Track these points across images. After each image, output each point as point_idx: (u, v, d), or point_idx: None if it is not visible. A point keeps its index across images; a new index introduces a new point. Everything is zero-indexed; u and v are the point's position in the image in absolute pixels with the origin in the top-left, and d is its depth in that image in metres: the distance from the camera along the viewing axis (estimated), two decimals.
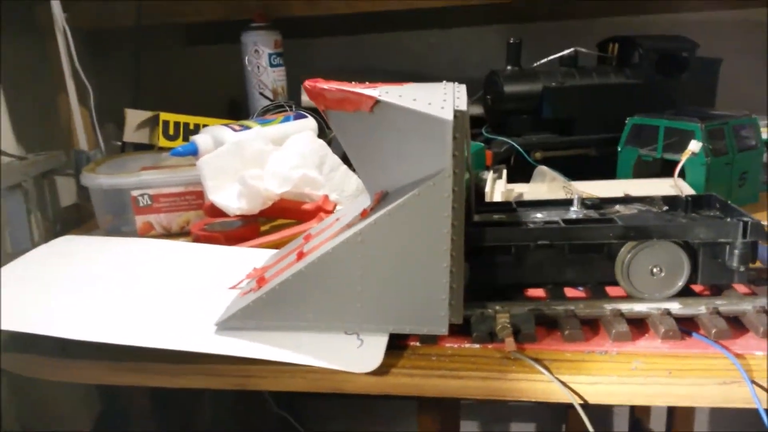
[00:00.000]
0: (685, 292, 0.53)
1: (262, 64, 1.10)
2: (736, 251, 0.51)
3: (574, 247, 0.53)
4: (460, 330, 0.54)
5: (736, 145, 0.86)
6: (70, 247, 0.72)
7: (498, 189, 0.81)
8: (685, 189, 0.83)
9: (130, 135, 1.00)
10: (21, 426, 0.94)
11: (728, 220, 0.52)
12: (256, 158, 0.81)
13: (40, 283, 0.62)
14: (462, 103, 0.48)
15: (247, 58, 1.09)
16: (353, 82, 0.54)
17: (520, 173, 0.95)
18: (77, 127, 1.05)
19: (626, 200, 0.59)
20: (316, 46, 1.34)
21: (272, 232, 0.85)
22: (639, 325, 0.54)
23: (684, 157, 0.71)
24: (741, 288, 0.55)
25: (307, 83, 0.54)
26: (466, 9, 1.21)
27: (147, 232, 0.87)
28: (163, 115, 0.98)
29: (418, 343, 0.54)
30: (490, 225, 0.54)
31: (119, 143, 1.08)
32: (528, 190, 0.78)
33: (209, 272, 0.66)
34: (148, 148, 1.04)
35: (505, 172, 0.88)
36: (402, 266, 0.50)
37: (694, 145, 0.72)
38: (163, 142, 0.98)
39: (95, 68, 1.09)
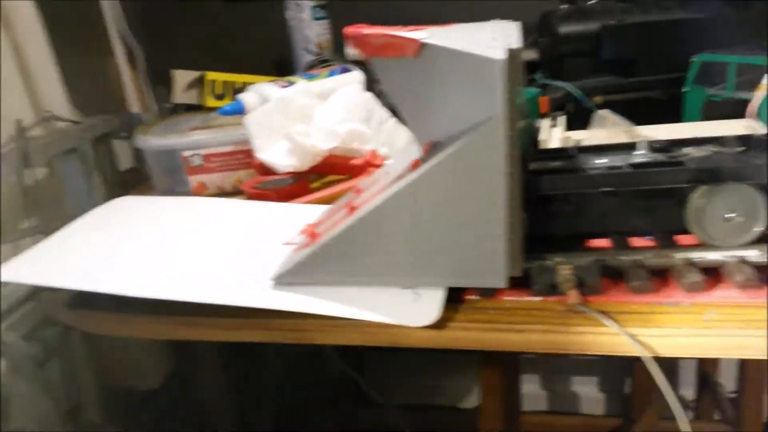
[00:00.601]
0: (765, 239, 0.50)
1: (304, 17, 1.07)
2: None
3: (640, 194, 0.50)
4: (519, 283, 0.52)
5: None
6: (127, 207, 0.73)
7: (555, 137, 0.78)
8: (760, 129, 0.78)
9: (179, 96, 1.00)
10: (98, 381, 0.99)
11: None
12: (301, 114, 0.79)
13: (99, 242, 0.63)
14: (514, 41, 0.45)
15: (288, 12, 1.06)
16: (400, 28, 0.51)
17: (579, 120, 0.90)
18: (128, 90, 1.06)
19: (697, 141, 0.55)
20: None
21: (323, 188, 0.84)
22: (713, 275, 0.51)
23: (758, 93, 0.65)
24: None
25: (348, 29, 0.52)
26: None
27: (201, 191, 0.87)
28: (210, 75, 0.98)
29: (475, 297, 0.52)
30: (548, 172, 0.51)
31: (167, 105, 1.09)
32: (587, 137, 0.74)
33: (264, 228, 0.66)
34: (197, 108, 1.04)
35: (562, 119, 0.83)
36: (456, 218, 0.48)
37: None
38: (210, 101, 0.98)
39: (146, 30, 1.09)
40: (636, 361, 0.47)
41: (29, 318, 0.78)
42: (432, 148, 0.51)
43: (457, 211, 0.47)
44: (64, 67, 1.02)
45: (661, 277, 0.52)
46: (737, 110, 0.81)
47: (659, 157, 0.53)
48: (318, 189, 0.84)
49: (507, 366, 0.77)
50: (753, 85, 0.80)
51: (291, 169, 0.78)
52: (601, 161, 0.54)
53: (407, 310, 0.49)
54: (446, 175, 0.47)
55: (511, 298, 0.52)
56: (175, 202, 0.76)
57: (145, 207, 0.74)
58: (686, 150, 0.54)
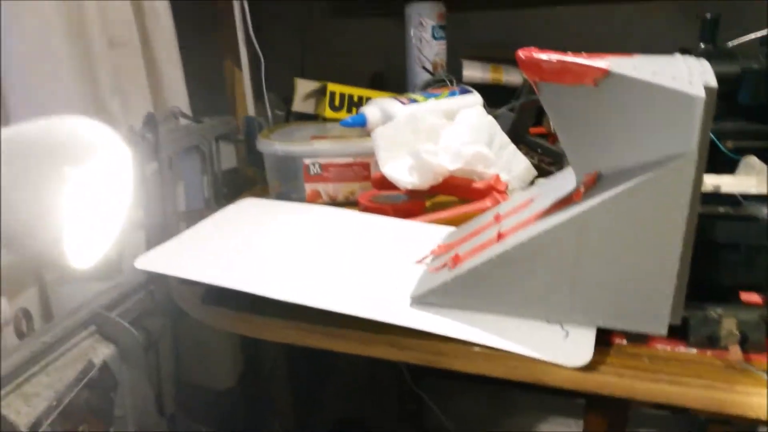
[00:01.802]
0: None
1: (425, 36, 1.08)
2: None
3: None
4: (671, 331, 0.49)
5: None
6: (253, 208, 0.74)
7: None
8: None
9: (299, 104, 1.02)
10: (177, 377, 1.00)
11: None
12: (429, 132, 0.79)
13: (232, 240, 0.64)
14: (711, 79, 0.43)
15: (411, 30, 1.07)
16: (576, 54, 0.50)
17: (710, 163, 0.86)
18: (247, 95, 1.09)
19: None
20: (471, 20, 1.30)
21: (435, 208, 0.83)
22: None
23: None
24: None
25: (521, 52, 0.51)
26: None
27: (314, 199, 0.88)
28: (331, 86, 0.99)
29: (624, 341, 0.50)
30: (723, 218, 0.48)
31: (280, 112, 1.11)
32: (732, 182, 0.70)
33: (388, 243, 0.66)
34: (311, 118, 1.05)
35: None
36: (623, 256, 0.46)
37: None
38: (329, 112, 0.99)
39: (269, 38, 1.12)
40: None
41: (137, 307, 0.80)
42: (596, 180, 0.49)
43: (626, 249, 0.45)
44: (187, 65, 1.06)
45: None
46: None
47: None
48: (430, 209, 0.83)
49: (616, 415, 0.73)
50: None
51: (412, 186, 0.77)
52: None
53: (557, 347, 0.47)
54: (621, 210, 0.45)
55: (663, 347, 0.49)
56: (296, 207, 0.77)
57: (270, 209, 0.74)
58: None
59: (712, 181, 0.76)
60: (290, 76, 1.09)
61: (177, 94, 1.04)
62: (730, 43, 0.92)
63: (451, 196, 0.83)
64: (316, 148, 0.86)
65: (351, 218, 0.73)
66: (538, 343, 0.47)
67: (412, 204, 0.80)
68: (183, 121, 0.97)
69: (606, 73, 0.45)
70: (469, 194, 0.80)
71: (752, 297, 0.53)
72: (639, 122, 0.45)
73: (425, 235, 0.67)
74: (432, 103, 0.86)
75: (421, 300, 0.51)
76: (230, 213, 0.71)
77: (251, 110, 1.08)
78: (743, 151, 0.88)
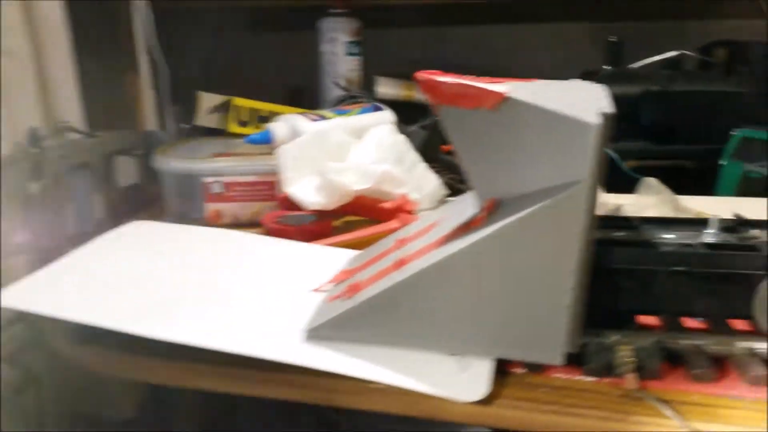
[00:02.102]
0: None
1: (338, 52, 1.05)
2: None
3: (710, 276, 0.47)
4: (571, 358, 0.48)
5: None
6: (142, 232, 0.69)
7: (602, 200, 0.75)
8: None
9: (202, 119, 0.97)
10: (67, 407, 0.93)
11: None
12: (337, 150, 0.76)
13: (112, 270, 0.58)
14: (607, 105, 0.43)
15: (324, 45, 1.04)
16: (478, 78, 0.49)
17: (612, 182, 0.88)
18: (147, 107, 1.03)
19: (761, 224, 0.52)
20: (393, 36, 1.30)
21: (344, 228, 0.80)
22: None
23: None
24: None
25: (420, 75, 0.49)
26: (555, 4, 1.14)
27: (216, 220, 0.83)
28: (236, 101, 0.95)
29: (522, 370, 0.48)
30: (618, 244, 0.48)
31: (185, 126, 1.06)
32: (632, 203, 0.72)
33: (288, 270, 0.62)
34: (217, 133, 1.00)
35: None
36: (519, 285, 0.44)
37: None
38: (234, 128, 0.95)
39: (173, 48, 1.06)
40: None
41: (15, 341, 0.73)
42: (496, 207, 0.48)
43: (522, 278, 0.44)
44: (83, 76, 0.99)
45: (719, 365, 0.48)
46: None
47: (729, 237, 0.50)
48: (339, 230, 0.80)
49: None
50: None
51: (318, 207, 0.74)
52: (669, 236, 0.51)
53: (453, 381, 0.45)
54: (519, 238, 0.43)
55: (560, 376, 0.48)
56: (192, 231, 0.72)
57: (161, 234, 0.69)
58: (754, 231, 0.51)
59: (613, 202, 0.77)
60: (202, 90, 1.04)
61: (69, 107, 0.96)
62: (634, 65, 0.95)
63: (359, 216, 0.80)
64: (217, 166, 0.81)
65: (249, 242, 0.69)
66: (435, 377, 0.45)
67: (320, 225, 0.77)
68: (74, 136, 0.90)
69: (504, 99, 0.44)
70: (378, 215, 0.78)
71: (649, 320, 0.53)
72: (536, 148, 0.44)
73: (328, 259, 0.64)
74: (340, 120, 0.84)
75: (316, 334, 0.48)
76: (115, 238, 0.66)
77: (152, 124, 1.02)
78: (645, 171, 0.91)
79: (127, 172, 1.08)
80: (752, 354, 0.47)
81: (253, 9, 1.23)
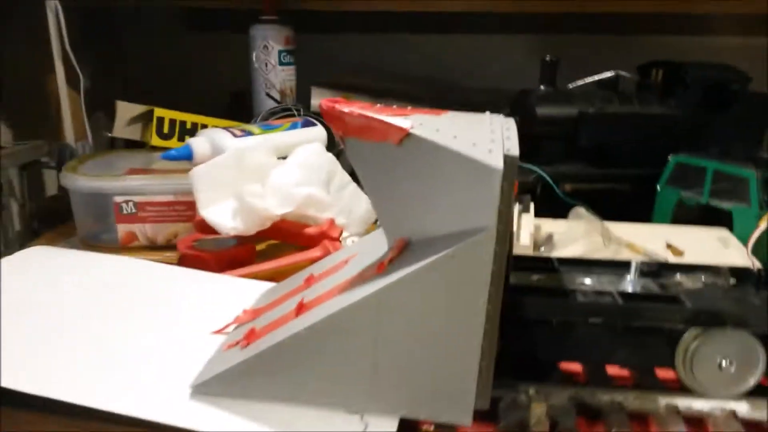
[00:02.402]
0: (758, 391, 0.44)
1: (271, 61, 1.01)
2: None
3: (629, 328, 0.44)
4: (482, 413, 0.45)
5: None
6: (37, 263, 0.62)
7: (525, 225, 0.72)
8: (733, 242, 0.75)
9: (121, 130, 0.91)
10: None
11: None
12: (256, 171, 0.72)
13: None
14: (513, 146, 0.39)
15: (254, 53, 0.99)
16: (379, 105, 0.45)
17: (547, 205, 0.86)
18: (64, 116, 0.96)
19: (689, 269, 0.50)
20: (331, 42, 1.25)
21: (269, 253, 0.76)
22: (697, 425, 0.45)
23: (756, 234, 0.62)
24: None
25: (324, 103, 0.45)
26: (495, 15, 1.12)
27: (129, 242, 0.78)
28: (158, 111, 0.89)
29: (431, 428, 0.45)
30: (531, 292, 0.45)
31: (110, 135, 0.99)
32: (562, 230, 0.69)
33: (190, 307, 0.57)
34: (140, 145, 0.94)
35: (531, 204, 0.78)
36: (424, 340, 0.41)
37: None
38: (156, 140, 0.89)
39: (92, 51, 1.00)
40: None
41: None
42: (404, 248, 0.44)
43: (427, 333, 0.40)
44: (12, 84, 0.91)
45: (640, 420, 0.46)
46: (710, 217, 0.79)
47: (650, 284, 0.47)
48: (264, 253, 0.76)
49: None
50: (731, 194, 0.77)
51: (235, 233, 0.70)
52: (587, 281, 0.48)
53: None
54: (420, 290, 0.40)
55: None
56: (91, 260, 0.66)
57: (58, 264, 0.63)
58: (678, 277, 0.49)
59: (545, 228, 0.75)
60: (125, 98, 0.98)
61: None
62: (571, 85, 0.93)
63: (283, 241, 0.76)
64: (128, 184, 0.75)
65: (152, 274, 0.63)
66: None
67: (240, 250, 0.72)
68: None
69: (407, 134, 0.40)
70: (301, 240, 0.73)
71: (572, 366, 0.50)
72: (441, 189, 0.40)
73: (238, 293, 0.59)
74: (263, 137, 0.79)
75: (203, 389, 0.44)
76: (6, 269, 0.60)
77: (70, 134, 0.95)
78: (583, 194, 0.89)
79: (48, 184, 1.01)
80: (675, 411, 0.45)
81: (186, 9, 1.17)
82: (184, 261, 0.71)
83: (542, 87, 0.88)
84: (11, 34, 0.95)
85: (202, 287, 0.61)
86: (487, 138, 0.40)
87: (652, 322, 0.43)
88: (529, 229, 0.71)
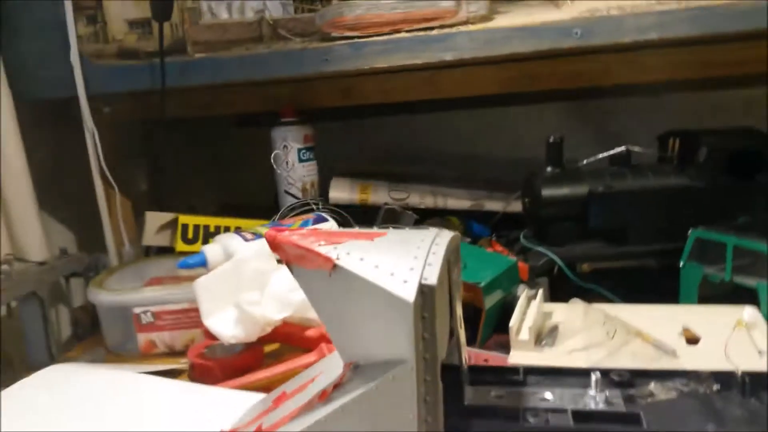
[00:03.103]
0: None
1: (291, 160, 1.05)
2: None
3: None
4: None
5: None
6: (55, 382, 0.67)
7: (531, 311, 0.70)
8: (759, 325, 0.69)
9: (151, 238, 0.97)
10: None
11: None
12: (255, 279, 0.74)
13: None
14: (432, 273, 0.39)
15: (274, 154, 1.05)
16: (322, 235, 0.46)
17: (565, 288, 0.83)
18: (105, 228, 1.04)
19: (666, 375, 0.46)
20: (363, 126, 1.30)
21: (279, 354, 0.78)
22: None
23: (735, 331, 0.57)
24: None
25: (268, 234, 0.47)
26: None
27: (150, 350, 0.82)
28: (182, 218, 0.95)
29: None
30: (482, 413, 0.43)
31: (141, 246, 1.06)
32: (563, 319, 0.67)
33: (176, 425, 0.59)
34: (171, 251, 1.00)
35: (540, 291, 0.76)
36: None
37: (750, 315, 0.57)
38: (181, 246, 0.95)
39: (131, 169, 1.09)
40: None
41: None
42: (352, 371, 0.45)
43: None
44: (43, 203, 1.01)
45: None
46: (739, 294, 0.73)
47: (615, 398, 0.45)
48: (274, 355, 0.78)
49: None
50: (755, 269, 0.72)
51: (236, 341, 0.72)
52: (548, 396, 0.46)
53: None
54: (348, 425, 0.39)
55: None
56: (106, 376, 0.70)
57: (73, 384, 0.67)
58: (652, 386, 0.46)
59: (548, 313, 0.72)
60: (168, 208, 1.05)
61: (31, 234, 0.98)
62: (582, 162, 0.91)
63: (286, 344, 0.78)
64: (144, 295, 0.80)
65: (162, 390, 0.66)
66: None
67: (246, 355, 0.74)
68: (21, 265, 0.91)
69: (333, 265, 0.42)
70: (303, 343, 0.75)
71: None
72: (369, 317, 0.41)
73: (226, 409, 0.61)
74: (262, 243, 0.82)
75: None
76: (26, 389, 0.64)
77: (110, 244, 1.03)
78: (601, 274, 0.86)
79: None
80: None
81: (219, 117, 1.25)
82: (193, 370, 0.74)
83: (549, 168, 0.87)
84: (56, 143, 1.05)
85: (200, 402, 0.63)
86: (407, 264, 0.40)
87: None
88: (532, 320, 0.68)
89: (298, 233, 0.46)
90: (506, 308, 0.74)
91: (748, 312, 0.64)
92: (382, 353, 0.40)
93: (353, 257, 0.41)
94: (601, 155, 0.88)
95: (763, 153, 0.84)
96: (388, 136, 1.30)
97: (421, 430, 0.39)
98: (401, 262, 0.40)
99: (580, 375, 0.47)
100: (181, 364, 0.77)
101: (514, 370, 0.49)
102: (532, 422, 0.41)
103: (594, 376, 0.44)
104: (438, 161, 1.25)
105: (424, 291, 0.38)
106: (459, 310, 0.49)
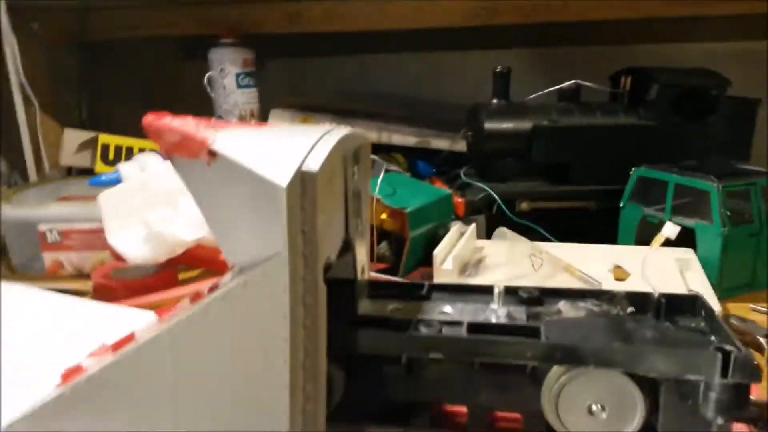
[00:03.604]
0: None
1: (228, 84, 0.99)
2: (712, 394, 0.34)
3: (483, 364, 0.38)
4: None
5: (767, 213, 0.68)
6: None
7: (460, 243, 0.67)
8: (693, 265, 0.66)
9: (69, 158, 0.90)
10: None
11: (702, 347, 0.35)
12: (168, 196, 0.68)
13: None
14: (316, 161, 0.35)
15: (208, 75, 0.98)
16: (206, 118, 0.41)
17: (503, 227, 0.79)
18: (24, 145, 0.97)
19: (575, 294, 0.43)
20: (310, 65, 1.23)
21: (193, 281, 0.73)
22: None
23: (654, 244, 0.53)
24: None
25: (146, 118, 0.41)
26: (470, 30, 1.07)
27: (57, 271, 0.76)
28: (103, 138, 0.88)
29: None
30: (370, 325, 0.39)
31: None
32: (491, 254, 0.63)
33: (67, 340, 0.54)
34: (93, 173, 0.94)
35: (473, 226, 0.73)
36: (228, 386, 0.36)
37: (669, 230, 0.54)
38: (101, 167, 0.88)
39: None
40: None
41: None
42: (234, 274, 0.40)
43: (231, 378, 0.36)
44: None
45: None
46: (678, 236, 0.71)
47: (519, 313, 0.41)
48: (188, 282, 0.73)
49: None
50: (695, 210, 0.69)
51: (143, 261, 0.67)
52: (449, 310, 0.42)
53: None
54: (215, 328, 0.35)
55: None
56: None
57: None
58: (561, 305, 0.42)
59: (480, 248, 0.69)
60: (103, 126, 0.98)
61: None
62: (530, 97, 0.86)
63: (199, 268, 0.73)
64: (51, 212, 0.74)
65: (53, 305, 0.60)
66: None
67: (155, 279, 0.69)
68: None
69: (209, 151, 0.36)
70: (217, 267, 0.70)
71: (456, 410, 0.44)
72: (246, 211, 0.36)
73: (122, 326, 0.56)
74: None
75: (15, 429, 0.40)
76: None
77: (30, 164, 0.95)
78: (540, 214, 0.82)
79: None
80: None
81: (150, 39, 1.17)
82: (96, 290, 0.69)
83: (494, 100, 0.82)
84: None
85: (89, 318, 0.58)
86: (289, 151, 0.35)
87: (500, 359, 0.36)
88: (458, 251, 0.65)
89: (179, 118, 0.41)
90: (436, 241, 0.70)
91: (668, 228, 0.60)
92: (262, 251, 0.36)
93: (232, 142, 0.36)
94: (548, 89, 0.84)
95: (716, 94, 0.80)
96: (336, 75, 1.23)
97: (297, 333, 0.35)
98: (283, 148, 0.36)
99: (486, 292, 0.43)
100: (87, 286, 0.72)
101: (419, 285, 0.45)
102: (423, 332, 0.38)
103: (497, 289, 0.40)
104: (387, 103, 1.19)
105: (304, 179, 0.34)
106: (365, 227, 0.44)
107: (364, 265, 0.44)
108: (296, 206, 0.34)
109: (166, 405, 0.37)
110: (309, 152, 0.35)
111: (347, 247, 0.43)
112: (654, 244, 0.51)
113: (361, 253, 0.44)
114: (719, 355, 0.34)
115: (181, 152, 0.39)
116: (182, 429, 0.37)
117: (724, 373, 0.34)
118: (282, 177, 0.33)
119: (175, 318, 0.36)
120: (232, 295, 0.34)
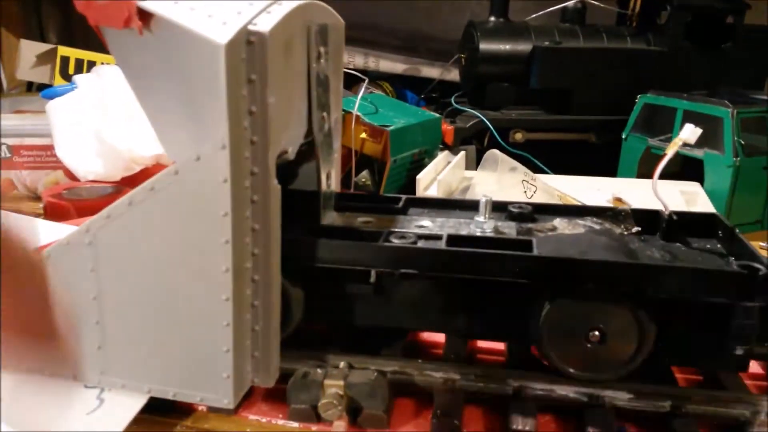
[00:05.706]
0: (648, 373, 0.32)
1: None
2: (735, 321, 0.29)
3: (465, 283, 0.32)
4: (278, 394, 0.34)
5: None
6: None
7: (446, 170, 0.61)
8: (700, 199, 0.61)
9: (27, 72, 0.82)
10: None
11: (724, 265, 0.30)
12: (125, 108, 0.62)
13: None
14: (269, 22, 0.28)
15: None
16: None
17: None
18: None
19: (573, 211, 0.37)
20: None
21: None
22: (566, 417, 0.33)
23: (671, 149, 0.46)
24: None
25: None
26: None
27: (9, 190, 0.69)
28: (62, 50, 0.80)
29: (204, 408, 0.35)
30: (334, 235, 0.33)
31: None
32: (477, 182, 0.57)
33: None
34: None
35: (463, 154, 0.66)
36: (159, 293, 0.30)
37: (689, 133, 0.47)
38: (59, 81, 0.81)
39: None
40: None
41: None
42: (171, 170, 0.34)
43: (161, 284, 0.30)
44: None
45: (491, 407, 0.34)
46: (684, 169, 0.65)
47: (509, 229, 0.35)
48: None
49: None
50: (704, 139, 0.63)
51: (94, 177, 0.60)
52: (427, 224, 0.36)
53: (77, 421, 0.31)
54: (143, 226, 0.29)
55: (257, 418, 0.34)
56: None
57: None
58: (556, 222, 0.36)
59: (469, 178, 0.63)
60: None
61: None
62: (531, 17, 0.79)
63: None
64: (3, 124, 0.67)
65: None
66: (46, 414, 0.31)
67: (113, 199, 0.63)
68: None
69: (138, 7, 0.30)
70: None
71: (432, 339, 0.39)
72: (185, 89, 0.30)
73: None
74: None
75: None
76: None
77: None
78: (537, 144, 0.76)
79: None
80: (530, 398, 0.33)
81: None
82: (47, 210, 0.62)
83: (492, 18, 0.75)
84: None
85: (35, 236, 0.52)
86: (236, 8, 0.28)
87: (483, 275, 0.31)
88: (448, 178, 0.59)
89: None
90: (421, 170, 0.64)
91: (688, 130, 0.52)
92: (203, 140, 0.30)
93: (167, 4, 0.30)
94: (551, 8, 0.76)
95: (734, 21, 0.73)
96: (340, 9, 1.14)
97: (241, 236, 0.29)
98: (228, 6, 0.29)
99: (472, 208, 0.37)
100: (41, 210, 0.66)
101: (394, 199, 0.39)
102: (394, 243, 0.32)
103: (484, 199, 0.34)
104: (378, 34, 1.10)
105: (251, 41, 0.27)
106: (336, 130, 0.38)
107: (331, 173, 0.38)
108: (241, 75, 0.27)
109: (90, 322, 0.31)
110: (260, 12, 0.28)
111: (310, 150, 0.37)
112: (670, 149, 0.45)
113: (328, 160, 0.37)
114: (745, 274, 0.28)
115: (111, 20, 0.32)
116: (112, 352, 0.32)
117: (749, 296, 0.28)
118: (223, 35, 0.26)
119: (105, 212, 0.30)
120: (160, 186, 0.28)
